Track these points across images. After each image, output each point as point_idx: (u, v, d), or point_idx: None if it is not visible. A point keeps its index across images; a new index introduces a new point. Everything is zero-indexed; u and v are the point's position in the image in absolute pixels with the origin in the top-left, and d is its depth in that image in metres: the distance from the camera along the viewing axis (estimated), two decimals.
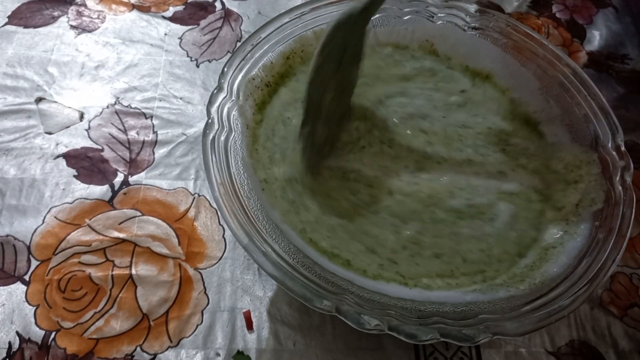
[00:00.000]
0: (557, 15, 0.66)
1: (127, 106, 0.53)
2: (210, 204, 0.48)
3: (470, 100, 0.49)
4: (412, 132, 0.47)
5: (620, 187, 0.40)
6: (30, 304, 0.42)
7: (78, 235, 0.45)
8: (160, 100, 0.54)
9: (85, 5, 0.60)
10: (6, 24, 0.58)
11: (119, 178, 0.48)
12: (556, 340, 0.43)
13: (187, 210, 0.47)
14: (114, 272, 0.43)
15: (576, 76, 0.46)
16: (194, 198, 0.48)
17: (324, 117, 0.42)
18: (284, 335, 0.42)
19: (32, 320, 0.41)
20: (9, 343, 0.40)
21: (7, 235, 0.45)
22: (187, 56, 0.57)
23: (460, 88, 0.50)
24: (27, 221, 0.45)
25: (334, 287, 0.35)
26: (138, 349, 0.40)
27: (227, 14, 0.61)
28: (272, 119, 0.45)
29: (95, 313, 0.41)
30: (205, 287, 0.43)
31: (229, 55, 0.55)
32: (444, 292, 0.38)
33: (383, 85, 0.49)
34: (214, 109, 0.40)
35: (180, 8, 0.61)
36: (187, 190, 0.48)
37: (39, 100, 0.52)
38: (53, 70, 0.55)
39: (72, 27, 0.58)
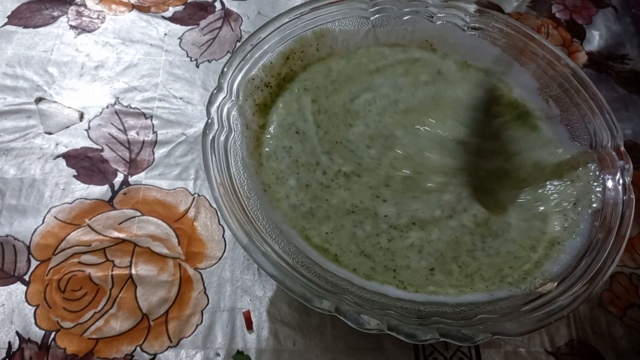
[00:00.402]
0: (557, 15, 0.66)
1: (126, 106, 0.53)
2: (210, 204, 0.48)
3: (442, 79, 0.49)
4: (393, 119, 0.47)
5: (619, 187, 0.40)
6: (30, 304, 0.42)
7: (78, 235, 0.45)
8: (160, 100, 0.54)
9: (85, 6, 0.60)
10: (6, 24, 0.58)
11: (119, 178, 0.48)
12: (556, 340, 0.43)
13: (187, 210, 0.47)
14: (113, 272, 0.43)
15: (576, 76, 0.46)
16: (194, 198, 0.48)
17: None
18: (284, 335, 0.42)
19: (32, 320, 0.41)
20: (9, 343, 0.40)
21: (7, 235, 0.45)
22: (187, 56, 0.57)
23: (437, 70, 0.50)
24: (26, 221, 0.45)
25: (333, 287, 0.35)
26: (138, 349, 0.40)
27: (227, 14, 0.61)
28: (280, 129, 0.45)
29: (95, 313, 0.41)
30: (205, 287, 0.43)
31: (229, 55, 0.55)
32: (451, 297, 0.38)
33: (348, 86, 0.48)
34: (213, 109, 0.40)
35: (180, 8, 0.61)
36: (187, 190, 0.48)
37: (39, 100, 0.52)
38: (53, 70, 0.55)
39: (72, 27, 0.58)
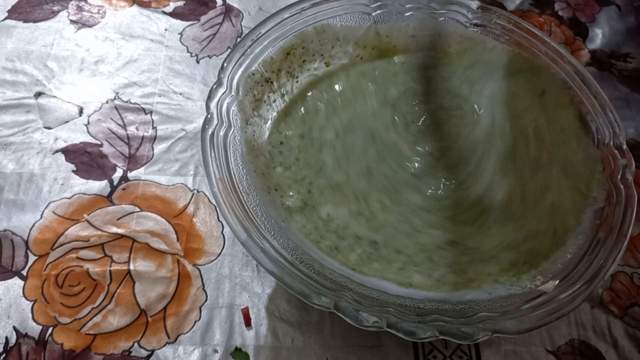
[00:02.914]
0: (560, 13, 0.66)
1: (126, 101, 0.53)
2: (209, 200, 0.47)
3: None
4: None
5: (621, 186, 0.40)
6: (27, 299, 0.42)
7: (76, 231, 0.45)
8: (159, 96, 0.53)
9: (85, 0, 0.60)
10: (6, 18, 0.58)
11: (118, 173, 0.48)
12: (556, 339, 0.43)
13: (186, 206, 0.47)
14: (112, 268, 0.43)
15: (578, 74, 0.45)
16: (193, 194, 0.48)
17: None
18: (282, 332, 0.42)
19: (29, 315, 0.41)
20: (6, 338, 0.40)
21: (5, 230, 0.44)
22: (188, 52, 0.57)
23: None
24: (25, 216, 0.45)
25: (332, 283, 0.34)
26: (135, 344, 0.40)
27: (228, 10, 0.61)
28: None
29: (92, 308, 0.41)
30: (203, 284, 0.43)
31: (230, 50, 0.55)
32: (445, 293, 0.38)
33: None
34: (213, 104, 0.40)
35: (180, 3, 0.61)
36: (186, 186, 0.48)
37: (38, 94, 0.52)
38: (52, 65, 0.54)
39: (72, 21, 0.58)
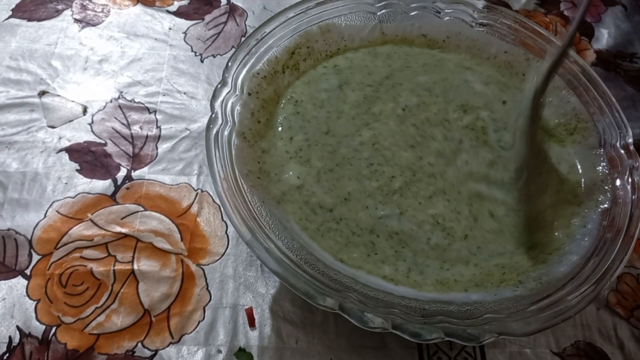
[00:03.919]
0: (565, 13, 0.66)
1: (130, 100, 0.52)
2: (213, 199, 0.47)
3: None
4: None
5: (628, 187, 0.40)
6: (31, 299, 0.41)
7: (80, 230, 0.44)
8: (164, 95, 0.53)
9: None
10: (10, 17, 0.57)
11: (122, 173, 0.48)
12: (561, 340, 0.43)
13: (190, 206, 0.47)
14: (115, 267, 0.43)
15: (585, 74, 0.45)
16: (197, 194, 0.47)
17: None
18: (286, 333, 0.41)
19: (33, 314, 0.41)
20: (10, 337, 0.40)
21: (9, 229, 0.44)
22: (192, 51, 0.57)
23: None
24: (29, 215, 0.45)
25: (337, 284, 0.34)
26: (139, 344, 0.40)
27: (232, 9, 0.61)
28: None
29: (96, 308, 0.41)
30: (207, 284, 0.43)
31: (234, 50, 0.54)
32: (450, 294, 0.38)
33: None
34: (217, 104, 0.40)
35: (185, 2, 0.61)
36: (190, 185, 0.48)
37: (42, 93, 0.52)
38: (56, 64, 0.54)
39: (76, 20, 0.58)
